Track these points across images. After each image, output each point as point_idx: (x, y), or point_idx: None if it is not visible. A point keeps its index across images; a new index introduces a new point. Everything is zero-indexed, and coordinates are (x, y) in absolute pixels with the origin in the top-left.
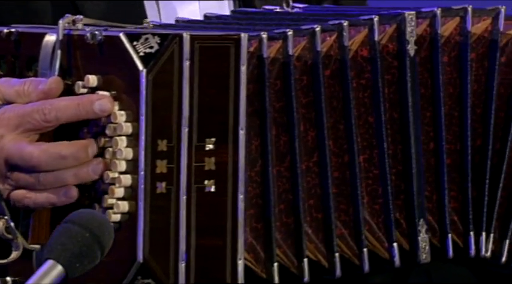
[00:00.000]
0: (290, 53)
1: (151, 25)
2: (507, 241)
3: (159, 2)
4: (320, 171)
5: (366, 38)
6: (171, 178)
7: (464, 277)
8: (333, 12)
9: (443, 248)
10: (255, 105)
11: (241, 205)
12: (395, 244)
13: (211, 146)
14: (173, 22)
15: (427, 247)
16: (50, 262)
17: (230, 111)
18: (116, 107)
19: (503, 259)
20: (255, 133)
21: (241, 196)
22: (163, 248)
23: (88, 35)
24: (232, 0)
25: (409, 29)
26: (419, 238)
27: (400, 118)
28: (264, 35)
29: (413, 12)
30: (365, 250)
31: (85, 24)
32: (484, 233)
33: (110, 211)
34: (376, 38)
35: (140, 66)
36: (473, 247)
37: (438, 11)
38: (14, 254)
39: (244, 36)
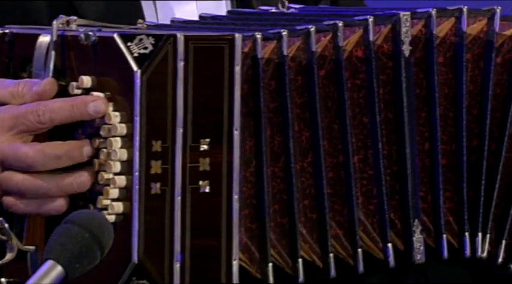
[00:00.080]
0: (284, 53)
1: (145, 25)
2: (503, 242)
3: (156, 2)
4: (315, 171)
5: (361, 38)
6: (165, 178)
7: (461, 277)
8: (328, 13)
9: (438, 248)
10: (250, 105)
11: (235, 205)
12: (389, 245)
13: (205, 147)
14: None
15: (422, 248)
16: (49, 263)
17: (224, 112)
18: (110, 108)
19: (500, 259)
20: (249, 134)
21: (235, 197)
22: (158, 249)
23: (82, 35)
24: (230, 0)
25: (404, 30)
26: (414, 238)
27: (395, 119)
28: (259, 35)
29: (408, 12)
30: (359, 250)
31: (79, 25)
32: (480, 234)
33: (105, 212)
34: (371, 38)
35: (134, 67)
36: (468, 247)
37: (433, 12)
38: (9, 256)
39: (238, 36)
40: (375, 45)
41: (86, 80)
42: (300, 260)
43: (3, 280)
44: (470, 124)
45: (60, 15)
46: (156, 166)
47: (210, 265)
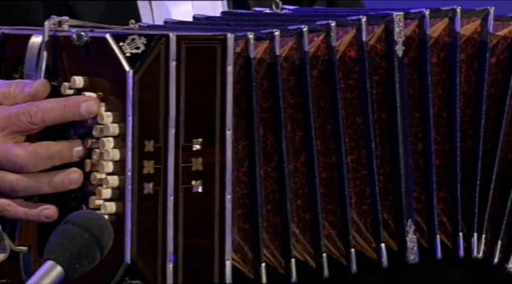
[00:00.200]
0: (277, 53)
1: (137, 26)
2: (499, 242)
3: (152, 2)
4: (307, 171)
5: (354, 38)
6: (158, 178)
7: (458, 277)
8: (322, 13)
9: (432, 249)
10: (242, 105)
11: (228, 205)
12: (383, 245)
13: (198, 146)
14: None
15: (415, 248)
16: (49, 263)
17: (217, 112)
18: (103, 108)
19: (496, 260)
20: (242, 134)
21: (228, 197)
22: (151, 249)
23: (74, 36)
24: (226, 1)
25: (397, 30)
26: (408, 238)
27: (388, 119)
28: (251, 35)
29: (401, 13)
30: (352, 250)
31: (71, 26)
32: (475, 234)
33: (98, 212)
34: (364, 38)
35: (127, 66)
36: (462, 248)
37: (427, 12)
38: (1, 257)
39: (230, 36)
40: (368, 46)
41: (78, 80)
42: (293, 260)
43: None
44: (464, 125)
45: (52, 16)
46: (149, 166)
47: (203, 265)
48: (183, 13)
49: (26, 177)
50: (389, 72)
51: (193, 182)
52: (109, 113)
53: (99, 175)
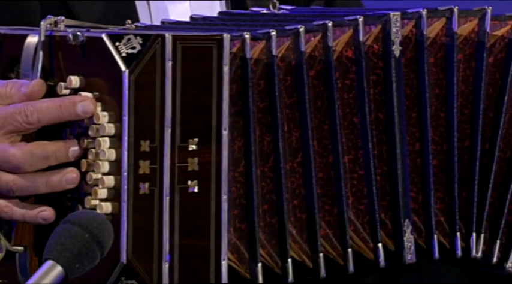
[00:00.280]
0: (274, 53)
1: (133, 26)
2: (498, 242)
3: (150, 2)
4: (304, 171)
5: (351, 38)
6: (154, 178)
7: (456, 277)
8: (319, 13)
9: (429, 249)
10: (239, 105)
11: (224, 205)
12: (380, 245)
13: (194, 146)
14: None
15: (413, 248)
16: (49, 263)
17: (213, 112)
18: (99, 108)
19: (494, 259)
20: (238, 134)
21: (224, 197)
22: (147, 249)
23: (70, 35)
24: (224, 0)
25: (394, 30)
26: (405, 238)
27: (386, 119)
28: (247, 35)
29: (398, 12)
30: (349, 250)
31: (67, 25)
32: (474, 234)
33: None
34: (361, 38)
35: (123, 66)
36: (459, 248)
37: (424, 12)
38: None
39: (226, 36)
40: (365, 46)
41: (74, 80)
42: (290, 260)
43: None
44: (462, 125)
45: (48, 16)
46: (145, 166)
47: (199, 265)
48: (181, 13)
49: (23, 177)
50: (386, 72)
51: (189, 182)
52: (105, 113)
53: (95, 175)
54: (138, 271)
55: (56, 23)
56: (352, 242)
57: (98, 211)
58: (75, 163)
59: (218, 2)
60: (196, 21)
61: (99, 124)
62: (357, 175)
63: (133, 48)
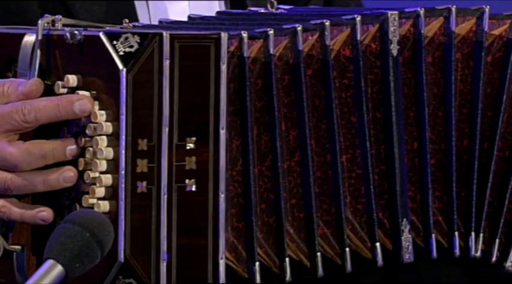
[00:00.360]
0: (271, 52)
1: (131, 25)
2: (497, 241)
3: (149, 2)
4: (302, 170)
5: (349, 37)
6: (151, 177)
7: (455, 276)
8: (317, 13)
9: (427, 248)
10: (236, 104)
11: (222, 204)
12: (378, 244)
13: (191, 145)
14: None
15: (410, 247)
16: (49, 262)
17: (211, 110)
18: (96, 107)
19: (494, 258)
20: (236, 133)
21: (222, 196)
22: (145, 247)
23: (67, 34)
24: (224, 0)
25: (391, 29)
26: (403, 238)
27: (383, 118)
28: (245, 34)
29: (396, 12)
30: (347, 249)
31: (64, 24)
32: (473, 233)
33: None
34: (359, 37)
35: (120, 65)
36: (457, 247)
37: (421, 11)
38: None
39: (224, 35)
40: (362, 45)
41: (72, 79)
42: (287, 259)
43: None
44: (461, 124)
45: (45, 15)
46: (142, 165)
47: (197, 264)
48: (180, 13)
49: (20, 175)
50: (384, 71)
51: (186, 181)
52: (102, 112)
53: (92, 174)
54: (135, 269)
55: (53, 22)
56: (350, 241)
57: (96, 209)
58: (73, 162)
59: (217, 2)
60: (194, 21)
61: (96, 123)
62: (355, 174)
63: (131, 46)
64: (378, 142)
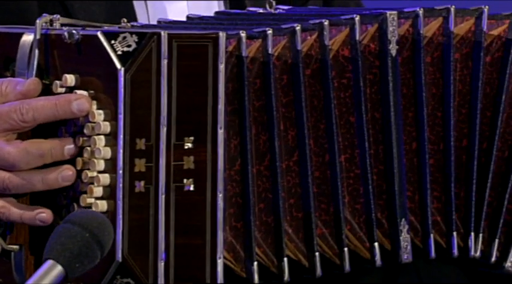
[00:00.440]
0: (270, 51)
1: (129, 25)
2: (496, 241)
3: (148, 2)
4: (300, 170)
5: (347, 37)
6: (149, 177)
7: (455, 276)
8: (315, 13)
9: (426, 248)
10: (234, 103)
11: (220, 204)
12: (376, 244)
13: (190, 145)
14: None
15: (409, 247)
16: (49, 262)
17: (209, 110)
18: (94, 106)
19: (493, 258)
20: (234, 132)
21: (220, 195)
22: (142, 247)
23: (66, 34)
24: (223, 0)
25: (390, 29)
26: (401, 238)
27: (382, 118)
28: (243, 34)
29: (395, 12)
30: (346, 249)
31: (62, 24)
32: (472, 234)
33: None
34: (358, 37)
35: (118, 64)
36: (456, 247)
37: (420, 11)
38: None
39: (222, 35)
40: (361, 45)
41: (70, 78)
42: (286, 259)
43: None
44: (460, 124)
45: (43, 14)
46: (140, 165)
47: (195, 264)
48: (179, 13)
49: (18, 174)
50: (382, 72)
51: (184, 180)
52: (100, 111)
53: (90, 173)
54: (133, 269)
55: (51, 22)
56: (349, 241)
57: (94, 209)
58: (71, 162)
59: (216, 2)
60: (193, 21)
61: (94, 123)
62: (353, 174)
63: (129, 46)
64: (377, 142)
